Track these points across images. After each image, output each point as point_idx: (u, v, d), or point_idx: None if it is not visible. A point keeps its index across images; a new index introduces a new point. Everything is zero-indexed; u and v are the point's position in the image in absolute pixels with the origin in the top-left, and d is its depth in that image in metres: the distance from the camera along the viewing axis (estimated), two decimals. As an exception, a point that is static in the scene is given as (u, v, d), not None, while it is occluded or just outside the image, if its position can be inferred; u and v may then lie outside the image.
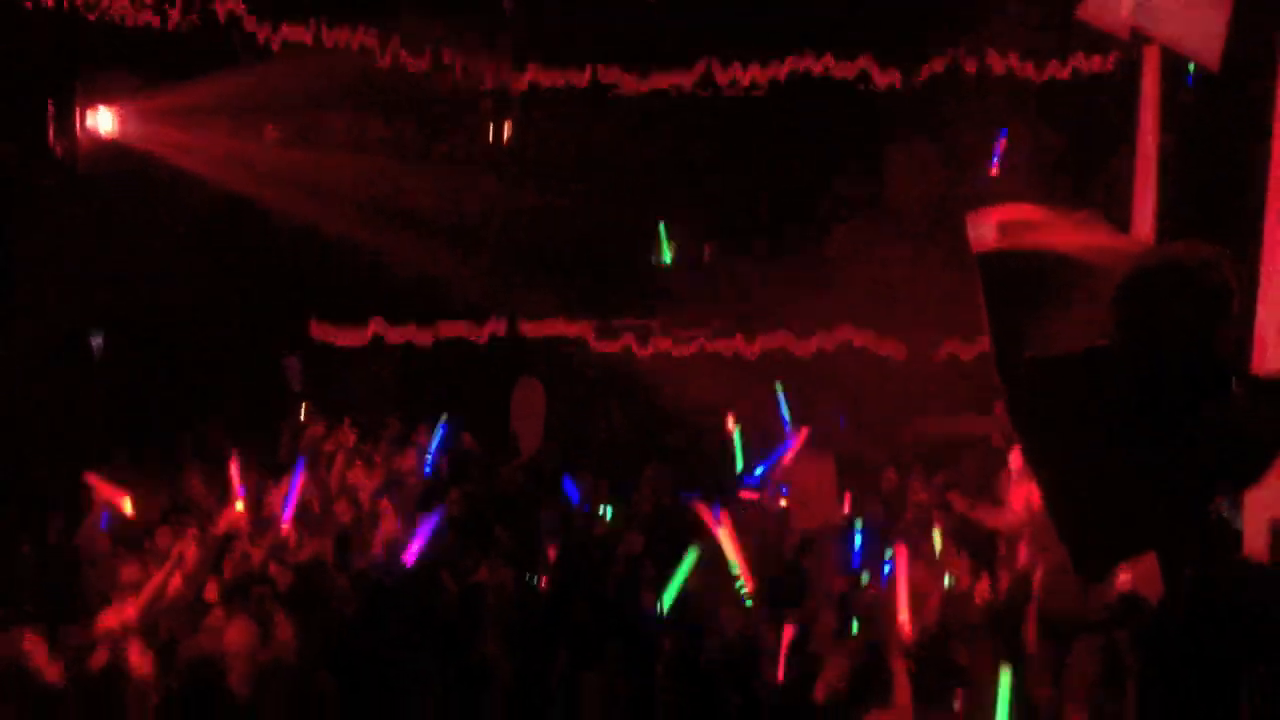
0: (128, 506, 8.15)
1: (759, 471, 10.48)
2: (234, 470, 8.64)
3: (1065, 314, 4.24)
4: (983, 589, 7.87)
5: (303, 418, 11.63)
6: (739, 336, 13.81)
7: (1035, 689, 7.38)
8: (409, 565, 7.98)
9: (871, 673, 6.84)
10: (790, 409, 11.76)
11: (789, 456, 10.33)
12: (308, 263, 14.17)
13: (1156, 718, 5.47)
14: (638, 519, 9.23)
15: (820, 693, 6.63)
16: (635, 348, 13.92)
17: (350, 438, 10.59)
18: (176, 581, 7.04)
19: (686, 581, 7.58)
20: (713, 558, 7.90)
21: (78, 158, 12.04)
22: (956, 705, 6.36)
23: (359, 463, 10.56)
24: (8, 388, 10.87)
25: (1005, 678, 5.98)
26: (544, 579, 8.12)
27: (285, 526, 8.41)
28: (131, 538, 8.14)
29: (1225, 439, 3.82)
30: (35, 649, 6.07)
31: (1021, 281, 4.38)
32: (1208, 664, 5.14)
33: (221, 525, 7.47)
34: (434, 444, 10.74)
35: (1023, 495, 7.89)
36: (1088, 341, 4.08)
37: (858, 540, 8.87)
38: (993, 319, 4.33)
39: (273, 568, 7.76)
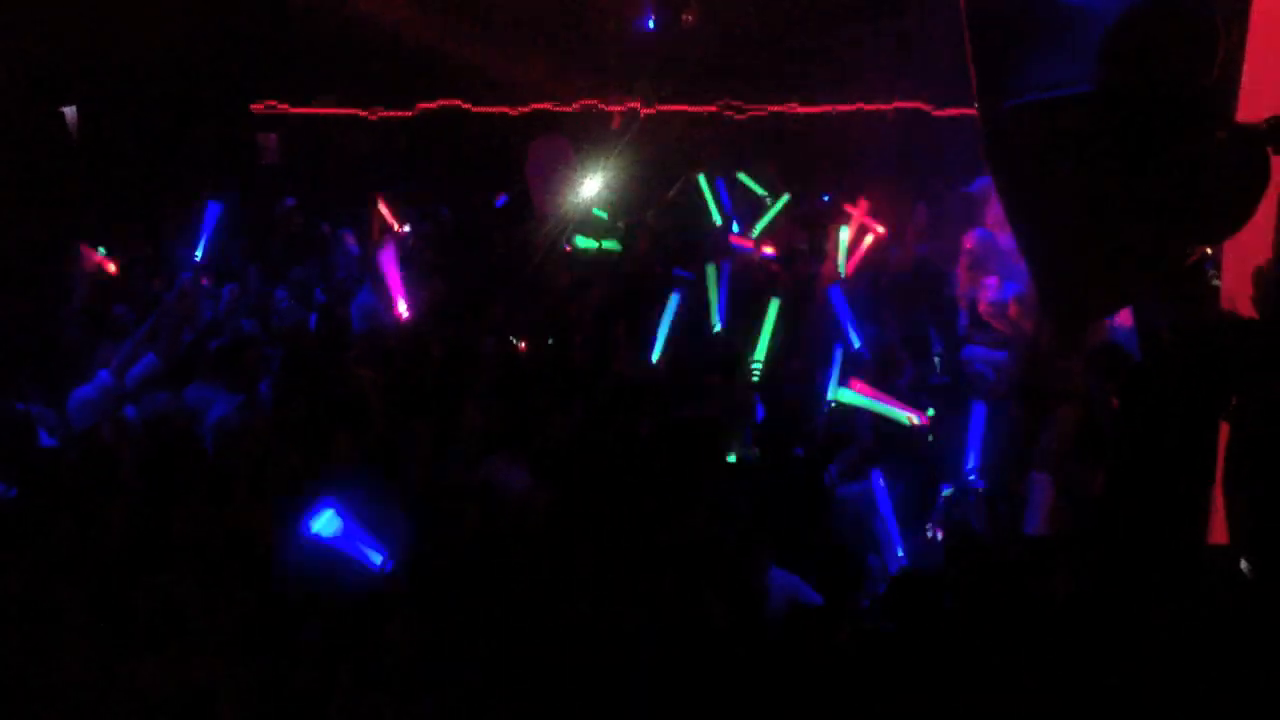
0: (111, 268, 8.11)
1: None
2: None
3: (1048, 58, 4.20)
4: None
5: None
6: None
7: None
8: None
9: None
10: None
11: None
12: (282, 29, 13.81)
13: (1132, 470, 5.65)
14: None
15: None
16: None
17: None
18: None
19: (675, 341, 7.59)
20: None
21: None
22: None
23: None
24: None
25: None
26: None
27: None
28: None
29: (1204, 177, 3.85)
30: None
31: (1006, 23, 4.33)
32: (1185, 414, 5.27)
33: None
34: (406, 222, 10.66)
35: None
36: (1071, 87, 4.06)
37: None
38: (977, 63, 4.30)
39: None
